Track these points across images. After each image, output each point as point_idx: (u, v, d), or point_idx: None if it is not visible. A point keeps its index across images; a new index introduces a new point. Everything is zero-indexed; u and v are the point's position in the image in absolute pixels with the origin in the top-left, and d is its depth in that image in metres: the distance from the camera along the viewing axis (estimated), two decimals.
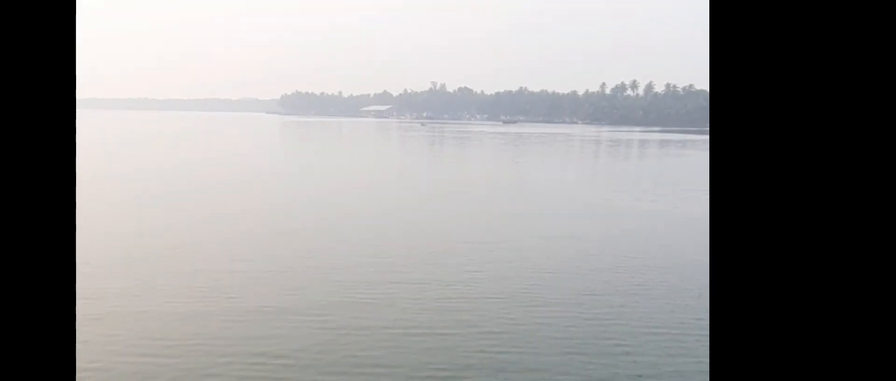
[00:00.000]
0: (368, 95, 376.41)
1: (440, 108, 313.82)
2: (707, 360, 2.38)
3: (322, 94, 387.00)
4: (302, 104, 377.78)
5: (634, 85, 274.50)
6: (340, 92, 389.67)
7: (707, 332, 2.18)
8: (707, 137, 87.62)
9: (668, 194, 35.81)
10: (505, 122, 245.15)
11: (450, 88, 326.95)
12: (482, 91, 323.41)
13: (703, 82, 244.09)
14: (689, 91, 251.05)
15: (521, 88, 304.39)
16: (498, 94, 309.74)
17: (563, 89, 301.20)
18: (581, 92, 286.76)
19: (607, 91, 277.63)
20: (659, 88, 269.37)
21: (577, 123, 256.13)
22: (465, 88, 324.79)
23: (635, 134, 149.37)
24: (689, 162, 64.90)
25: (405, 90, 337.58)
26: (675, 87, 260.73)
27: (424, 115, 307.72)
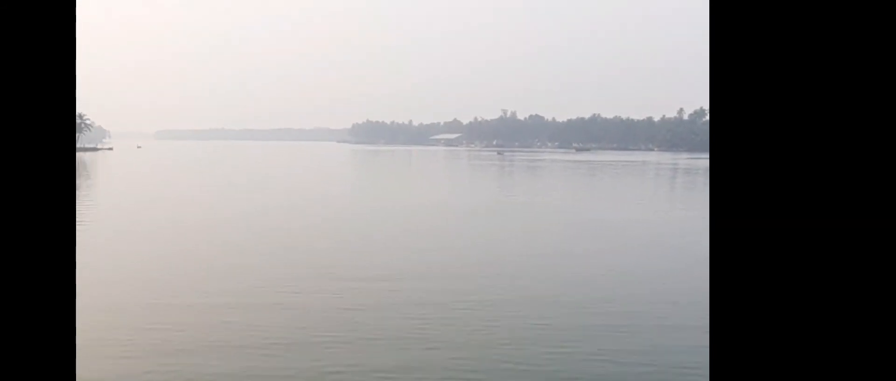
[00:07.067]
0: (438, 123, 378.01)
1: (510, 136, 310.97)
2: None
3: (392, 122, 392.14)
4: (372, 133, 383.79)
5: None
6: (411, 121, 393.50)
7: None
8: None
9: None
10: (578, 149, 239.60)
11: (520, 116, 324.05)
12: (553, 118, 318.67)
13: None
14: None
15: (594, 114, 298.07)
16: (570, 121, 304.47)
17: (639, 116, 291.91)
18: (657, 118, 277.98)
19: (685, 117, 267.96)
20: None
21: (653, 149, 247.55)
22: (537, 115, 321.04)
23: None
24: None
25: (475, 118, 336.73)
26: None
27: (494, 143, 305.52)
